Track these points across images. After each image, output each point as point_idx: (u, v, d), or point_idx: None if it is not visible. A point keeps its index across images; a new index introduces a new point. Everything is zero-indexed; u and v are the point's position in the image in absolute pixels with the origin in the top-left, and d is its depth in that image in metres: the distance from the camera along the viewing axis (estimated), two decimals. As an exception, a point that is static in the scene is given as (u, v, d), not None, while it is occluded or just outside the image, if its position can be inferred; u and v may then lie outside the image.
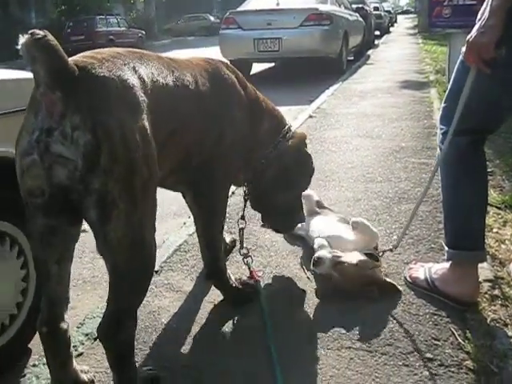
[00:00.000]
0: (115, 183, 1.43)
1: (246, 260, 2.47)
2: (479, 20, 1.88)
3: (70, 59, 1.47)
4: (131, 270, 1.57)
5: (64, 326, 1.73)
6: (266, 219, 2.54)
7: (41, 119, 1.42)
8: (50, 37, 1.35)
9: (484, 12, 1.86)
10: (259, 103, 2.35)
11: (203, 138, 1.99)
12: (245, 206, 2.47)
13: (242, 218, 2.46)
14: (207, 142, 2.02)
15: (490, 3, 1.82)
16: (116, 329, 1.59)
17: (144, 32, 27.72)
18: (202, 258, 2.32)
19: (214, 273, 2.28)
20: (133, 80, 1.56)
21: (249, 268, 2.45)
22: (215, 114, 2.03)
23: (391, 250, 2.44)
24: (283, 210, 2.42)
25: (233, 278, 2.33)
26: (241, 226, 2.46)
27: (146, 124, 1.54)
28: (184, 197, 2.29)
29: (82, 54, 1.61)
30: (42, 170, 1.43)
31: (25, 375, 1.98)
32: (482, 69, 1.91)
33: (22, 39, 1.34)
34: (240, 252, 2.47)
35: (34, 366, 2.01)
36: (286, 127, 2.44)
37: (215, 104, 2.04)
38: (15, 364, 2.08)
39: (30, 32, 1.33)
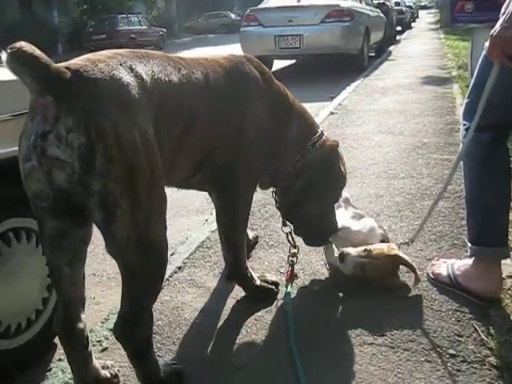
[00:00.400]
0: (115, 184, 1.43)
1: (290, 259, 2.40)
2: (503, 14, 1.87)
3: (63, 63, 1.48)
4: (141, 269, 1.58)
5: (81, 325, 1.75)
6: (297, 230, 2.41)
7: (36, 123, 1.43)
8: (27, 47, 1.35)
9: (508, 6, 1.85)
10: (286, 102, 2.28)
11: (221, 134, 1.98)
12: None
13: (284, 224, 2.41)
14: (226, 137, 2.00)
15: None
16: (131, 327, 1.61)
17: (165, 30, 27.83)
18: (224, 258, 2.33)
19: (235, 274, 2.30)
20: (128, 79, 1.53)
21: (290, 267, 2.38)
22: (232, 109, 2.01)
23: (408, 244, 2.44)
24: (312, 222, 2.32)
25: (254, 275, 2.34)
26: (287, 230, 2.40)
27: (145, 123, 1.53)
28: (210, 195, 2.30)
29: (80, 57, 1.61)
30: (42, 174, 1.45)
31: (51, 369, 2.03)
32: (505, 64, 1.90)
33: (3, 56, 1.36)
34: (290, 250, 2.42)
35: (60, 360, 2.06)
36: (317, 134, 2.33)
37: (232, 99, 2.01)
38: (41, 358, 2.13)
39: (9, 47, 1.35)
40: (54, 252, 1.63)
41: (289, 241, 2.41)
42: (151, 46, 25.88)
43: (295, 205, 2.30)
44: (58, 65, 1.42)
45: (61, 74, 1.39)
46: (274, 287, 2.35)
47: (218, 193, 2.19)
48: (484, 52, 2.03)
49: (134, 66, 1.59)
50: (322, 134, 2.36)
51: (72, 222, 1.55)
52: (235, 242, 2.25)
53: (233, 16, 39.45)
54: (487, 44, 1.95)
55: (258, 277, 2.36)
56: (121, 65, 1.56)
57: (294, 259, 2.39)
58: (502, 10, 1.89)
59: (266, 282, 2.37)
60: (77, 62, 1.50)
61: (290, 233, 2.40)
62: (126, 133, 1.44)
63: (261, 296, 2.32)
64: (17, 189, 1.62)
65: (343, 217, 2.61)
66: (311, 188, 2.26)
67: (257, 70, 2.18)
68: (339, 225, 2.44)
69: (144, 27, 25.67)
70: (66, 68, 1.42)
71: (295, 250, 2.39)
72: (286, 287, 2.32)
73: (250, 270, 2.33)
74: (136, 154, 1.46)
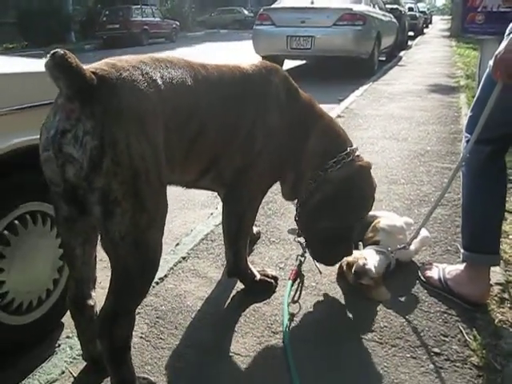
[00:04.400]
0: (119, 185, 1.51)
1: (299, 258, 2.38)
2: (507, 35, 1.93)
3: (91, 66, 1.58)
4: (132, 270, 1.62)
5: (91, 302, 1.87)
6: (309, 245, 2.35)
7: (58, 120, 1.54)
8: (71, 57, 1.44)
9: None
10: (308, 117, 2.24)
11: (231, 140, 2.03)
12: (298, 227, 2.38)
13: (299, 235, 2.38)
14: (236, 144, 2.04)
15: None
16: (111, 324, 1.63)
17: (178, 23, 27.87)
18: (225, 255, 2.40)
19: (235, 271, 2.38)
20: (147, 91, 1.62)
21: (297, 266, 2.37)
22: (244, 115, 2.05)
23: (405, 248, 2.53)
24: (324, 240, 2.26)
25: (255, 270, 2.43)
26: (298, 239, 2.38)
27: (156, 133, 1.62)
28: (219, 194, 2.37)
29: (106, 60, 1.68)
30: (56, 165, 1.55)
31: (59, 345, 2.15)
32: (508, 84, 1.96)
33: (45, 60, 1.45)
34: (300, 254, 2.39)
35: (68, 337, 2.18)
36: (344, 152, 2.24)
37: (245, 106, 2.06)
38: (50, 336, 2.26)
39: (51, 52, 1.43)
40: (68, 233, 1.73)
41: (301, 244, 2.37)
42: (163, 37, 25.98)
43: (309, 219, 2.28)
44: (89, 72, 1.51)
45: (90, 82, 1.49)
46: (273, 281, 2.45)
47: (225, 198, 2.25)
48: (488, 70, 2.09)
49: (154, 77, 1.68)
50: (353, 152, 2.28)
51: (79, 210, 1.63)
52: (238, 244, 2.31)
53: (246, 12, 39.53)
54: (491, 63, 2.00)
55: (259, 271, 2.46)
56: (142, 76, 1.64)
57: (303, 259, 2.38)
58: (507, 32, 1.95)
59: (266, 276, 2.46)
60: (103, 67, 1.59)
61: (301, 244, 2.37)
62: (136, 143, 1.53)
63: (259, 290, 2.42)
64: (33, 174, 1.72)
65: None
66: (328, 204, 2.20)
67: (281, 81, 2.20)
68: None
69: (157, 19, 25.71)
70: (93, 73, 1.52)
71: (304, 252, 2.37)
72: (291, 286, 2.34)
73: (250, 265, 2.42)
74: (143, 162, 1.55)
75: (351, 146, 2.31)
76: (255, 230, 2.97)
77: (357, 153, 2.30)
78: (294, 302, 2.25)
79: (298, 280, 2.33)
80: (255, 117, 2.08)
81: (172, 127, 1.72)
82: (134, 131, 1.54)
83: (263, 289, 2.43)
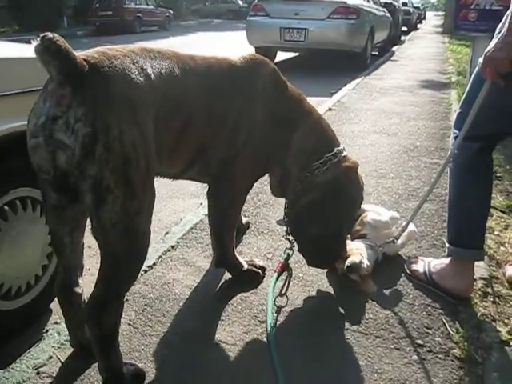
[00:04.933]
0: (111, 172, 1.51)
1: (287, 251, 2.38)
2: (497, 34, 1.95)
3: (82, 54, 1.58)
4: (121, 256, 1.63)
5: (78, 290, 1.88)
6: (299, 247, 2.33)
7: (48, 106, 1.53)
8: (60, 41, 1.44)
9: (502, 28, 1.92)
10: (295, 113, 2.23)
11: (217, 130, 2.04)
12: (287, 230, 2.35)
13: (287, 233, 2.35)
14: (222, 134, 2.05)
15: (509, 20, 1.87)
16: (100, 310, 1.64)
17: (172, 12, 27.72)
18: (212, 247, 2.40)
19: (222, 262, 2.39)
20: (137, 79, 1.62)
21: (285, 259, 2.37)
22: (230, 106, 2.05)
23: (393, 242, 2.57)
24: (315, 243, 2.23)
25: (242, 261, 2.45)
26: (287, 237, 2.35)
27: (146, 121, 1.63)
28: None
29: (96, 48, 1.67)
30: (46, 152, 1.54)
31: (47, 331, 2.16)
32: (496, 82, 2.00)
33: (34, 43, 1.45)
34: (288, 247, 2.38)
35: (56, 323, 2.20)
36: (331, 153, 2.21)
37: (231, 97, 2.06)
38: (38, 322, 2.28)
39: (40, 36, 1.43)
40: (56, 221, 1.73)
41: (287, 239, 2.37)
42: (157, 26, 25.80)
43: (298, 223, 2.26)
44: (80, 58, 1.51)
45: (81, 68, 1.49)
46: (260, 271, 2.48)
47: (209, 192, 2.26)
48: (477, 68, 2.12)
49: (144, 67, 1.69)
50: (340, 152, 2.25)
51: (69, 197, 1.64)
52: (223, 236, 2.33)
53: (240, 3, 39.33)
54: (481, 60, 2.03)
55: (247, 261, 2.48)
56: (133, 64, 1.65)
57: (291, 252, 2.38)
58: (497, 30, 1.97)
59: (254, 266, 2.49)
60: (95, 55, 1.59)
61: (292, 247, 2.38)
62: (128, 130, 1.54)
63: (246, 280, 2.44)
64: (24, 160, 1.71)
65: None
66: (315, 208, 2.17)
67: (268, 74, 2.19)
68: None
69: (151, 7, 25.55)
70: (85, 60, 1.52)
71: (291, 246, 2.37)
72: (276, 278, 2.35)
73: (238, 256, 2.44)
74: (134, 150, 1.56)
75: (338, 146, 2.29)
76: (244, 220, 2.99)
77: (344, 153, 2.27)
78: (281, 295, 2.27)
79: (286, 273, 2.34)
80: (241, 108, 2.08)
81: (161, 117, 1.73)
82: (125, 118, 1.55)
83: (251, 279, 2.45)
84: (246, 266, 2.45)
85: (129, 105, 1.57)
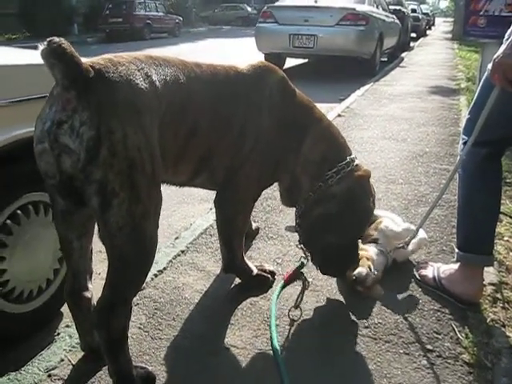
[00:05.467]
0: (116, 176, 1.52)
1: (301, 260, 2.38)
2: (506, 40, 1.95)
3: (88, 60, 1.59)
4: (128, 260, 1.63)
5: (88, 294, 1.89)
6: (313, 257, 2.31)
7: (54, 111, 1.55)
8: (66, 44, 1.46)
9: (511, 34, 1.94)
10: (304, 121, 2.21)
11: (223, 138, 2.04)
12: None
13: (300, 242, 2.32)
14: (228, 142, 2.05)
15: None
16: (108, 314, 1.65)
17: (181, 18, 27.85)
18: (221, 253, 2.41)
19: (231, 268, 2.40)
20: (142, 85, 1.63)
21: (297, 268, 2.39)
22: (236, 114, 2.05)
23: (403, 247, 2.56)
24: (328, 253, 2.21)
25: (252, 266, 2.46)
26: (300, 246, 2.33)
27: (151, 127, 1.64)
28: None
29: (103, 56, 1.68)
30: (51, 157, 1.56)
31: (59, 334, 2.18)
32: (505, 88, 1.99)
33: (41, 47, 1.46)
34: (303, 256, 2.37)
35: (67, 326, 2.21)
36: (344, 162, 2.19)
37: (237, 105, 2.06)
38: (49, 324, 2.31)
39: (47, 40, 1.45)
40: (64, 226, 1.75)
41: (302, 248, 2.33)
42: (166, 32, 25.94)
43: (312, 233, 2.24)
44: (85, 63, 1.53)
45: (87, 73, 1.50)
46: (270, 276, 2.49)
47: (216, 202, 2.26)
48: (486, 73, 2.12)
49: (149, 73, 1.70)
50: (352, 161, 2.22)
51: (76, 202, 1.64)
52: (231, 243, 2.34)
53: (249, 9, 39.51)
54: (490, 66, 2.03)
55: (256, 266, 2.49)
56: (138, 71, 1.66)
57: (305, 261, 2.37)
58: (506, 36, 1.97)
59: (264, 271, 2.49)
60: (100, 61, 1.61)
61: (306, 257, 2.36)
62: (133, 134, 1.55)
63: (257, 284, 2.45)
64: (35, 165, 1.71)
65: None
66: (329, 218, 2.16)
67: (276, 82, 2.18)
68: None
69: (160, 14, 25.70)
70: (90, 66, 1.54)
71: (306, 257, 2.35)
72: (281, 287, 2.39)
73: (247, 260, 2.44)
74: (139, 154, 1.56)
75: (350, 154, 2.27)
76: (254, 225, 3.01)
77: (356, 161, 2.24)
78: (295, 306, 2.24)
79: (297, 282, 2.33)
80: (247, 116, 2.08)
81: (166, 124, 1.74)
82: (130, 122, 1.56)
83: (260, 284, 2.46)
84: (255, 271, 2.45)
85: (133, 109, 1.58)
